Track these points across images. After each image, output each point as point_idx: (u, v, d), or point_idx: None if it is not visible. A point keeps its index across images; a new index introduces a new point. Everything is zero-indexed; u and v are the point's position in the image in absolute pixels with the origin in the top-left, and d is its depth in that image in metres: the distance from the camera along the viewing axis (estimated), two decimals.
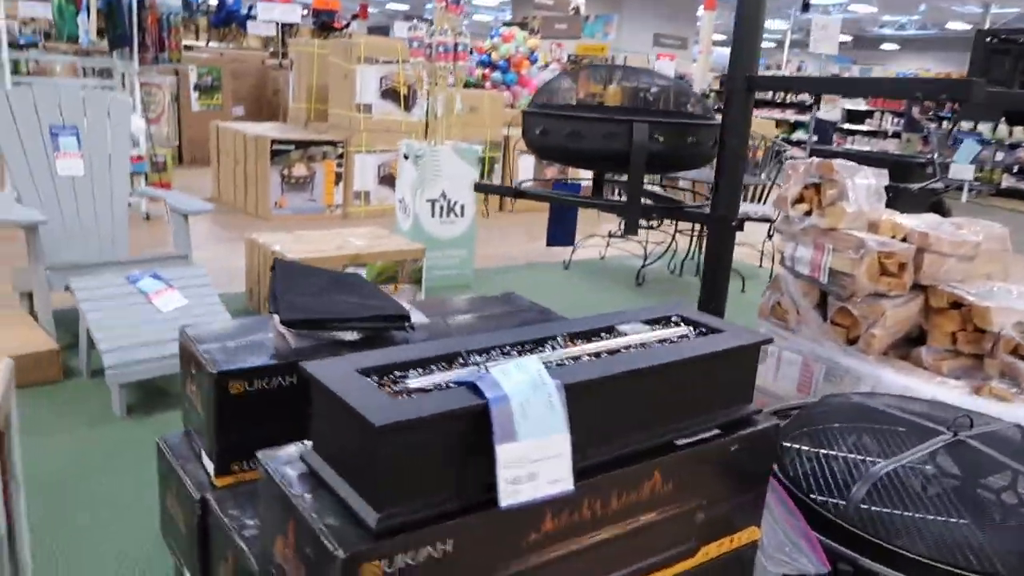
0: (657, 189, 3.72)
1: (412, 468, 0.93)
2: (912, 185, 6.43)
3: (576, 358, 1.14)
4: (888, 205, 6.43)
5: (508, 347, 1.16)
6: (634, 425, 1.13)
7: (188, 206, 3.27)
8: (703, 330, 1.32)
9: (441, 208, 4.29)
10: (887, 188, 6.20)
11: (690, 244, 4.86)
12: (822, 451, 1.78)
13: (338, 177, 6.21)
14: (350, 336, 1.49)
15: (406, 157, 4.25)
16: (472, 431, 0.96)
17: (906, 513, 1.54)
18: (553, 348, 1.18)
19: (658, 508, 1.18)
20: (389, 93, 6.25)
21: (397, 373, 1.05)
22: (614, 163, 2.09)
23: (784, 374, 2.81)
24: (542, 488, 0.98)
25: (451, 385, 1.02)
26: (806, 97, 14.27)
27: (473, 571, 0.99)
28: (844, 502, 1.56)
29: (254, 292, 3.76)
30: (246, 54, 10.40)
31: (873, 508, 1.55)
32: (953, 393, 2.37)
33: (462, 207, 4.33)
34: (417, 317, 1.63)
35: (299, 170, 6.02)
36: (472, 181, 4.04)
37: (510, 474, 0.95)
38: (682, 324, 1.35)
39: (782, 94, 14.73)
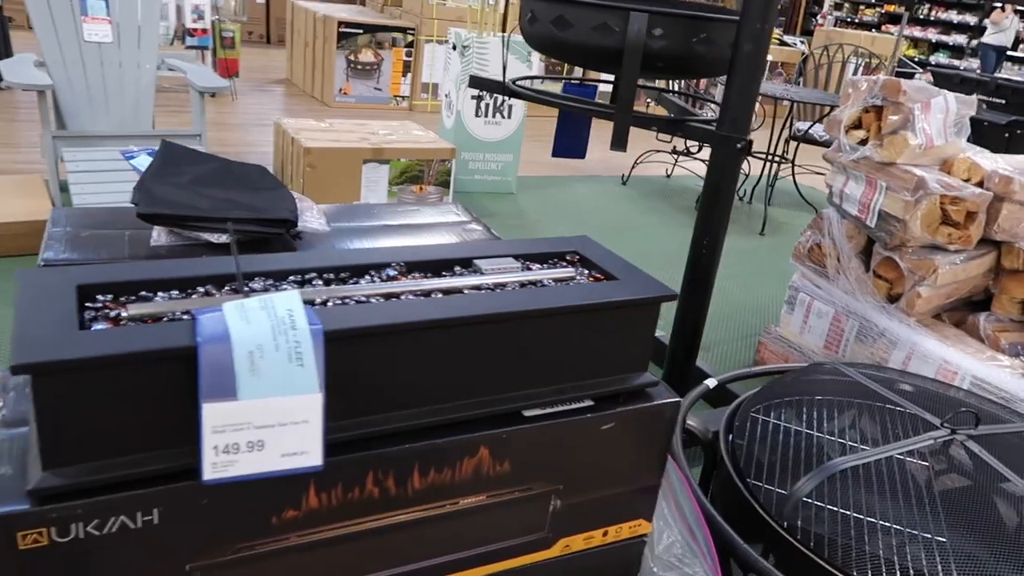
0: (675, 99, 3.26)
1: (96, 419, 0.73)
2: None
3: (392, 296, 0.90)
4: (1004, 147, 5.67)
5: (313, 273, 0.93)
6: (450, 388, 0.89)
7: (202, 82, 3.11)
8: (597, 274, 1.04)
9: (487, 107, 3.99)
10: (1009, 125, 5.41)
11: (763, 169, 4.39)
12: (791, 427, 1.48)
13: (407, 67, 5.95)
14: (218, 238, 1.29)
15: (454, 47, 3.94)
16: (188, 380, 0.74)
17: (855, 515, 1.25)
18: (372, 280, 0.94)
19: (488, 491, 0.95)
20: None
21: (137, 294, 0.84)
22: (606, 60, 1.76)
23: (812, 327, 2.46)
24: (272, 461, 0.76)
25: (182, 317, 0.80)
26: (954, 14, 12.75)
27: (196, 546, 0.80)
28: (784, 493, 1.29)
29: (279, 177, 3.63)
30: None
31: (817, 505, 1.27)
32: (1001, 373, 1.99)
33: (510, 107, 4.02)
34: (314, 224, 1.41)
35: (366, 56, 5.79)
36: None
37: (220, 441, 0.74)
38: (577, 264, 1.08)
39: (927, 8, 13.20)
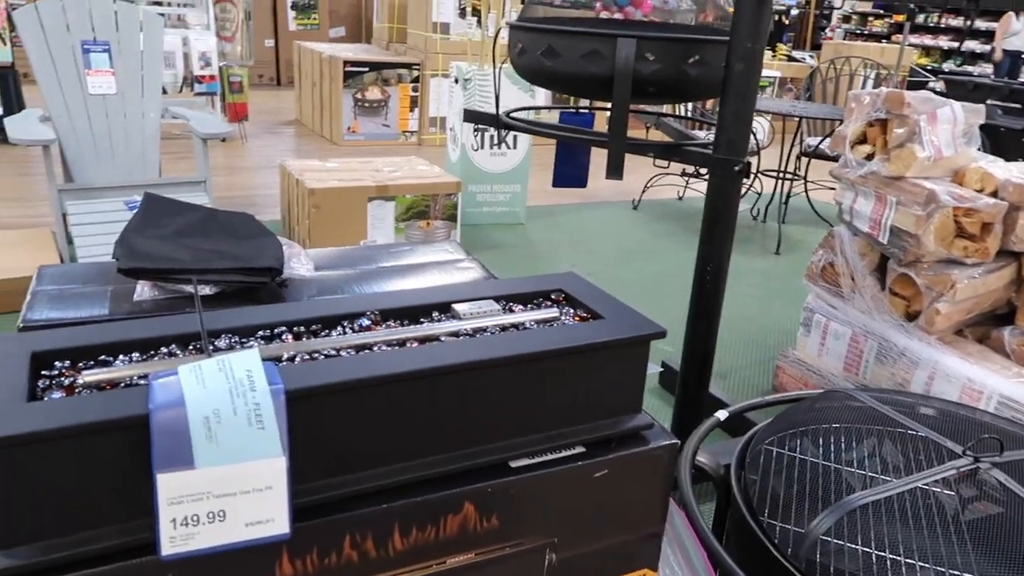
0: (674, 123, 3.23)
1: (48, 495, 0.69)
2: None
3: (364, 347, 0.86)
4: (1021, 153, 5.53)
5: (282, 327, 0.89)
6: (428, 442, 0.85)
7: (205, 129, 3.13)
8: (583, 313, 1.00)
9: (491, 138, 3.98)
10: None
11: (775, 187, 4.33)
12: (806, 459, 1.42)
13: (414, 102, 5.98)
14: (201, 291, 1.26)
15: (456, 81, 3.95)
16: (142, 450, 0.70)
17: (876, 553, 1.18)
18: (344, 331, 0.90)
19: (476, 548, 0.90)
20: (468, 11, 5.90)
21: (96, 358, 0.81)
22: (597, 88, 1.72)
23: (830, 349, 2.39)
24: (235, 532, 0.72)
25: (139, 382, 0.76)
26: (962, 22, 12.66)
27: None
28: (802, 532, 1.22)
29: (286, 220, 3.63)
30: None
31: (836, 543, 1.20)
32: None
33: (515, 137, 4.00)
34: (301, 270, 1.38)
35: (373, 93, 5.83)
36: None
37: (178, 513, 0.69)
38: (562, 303, 1.03)
39: (936, 16, 13.13)
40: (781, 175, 4.15)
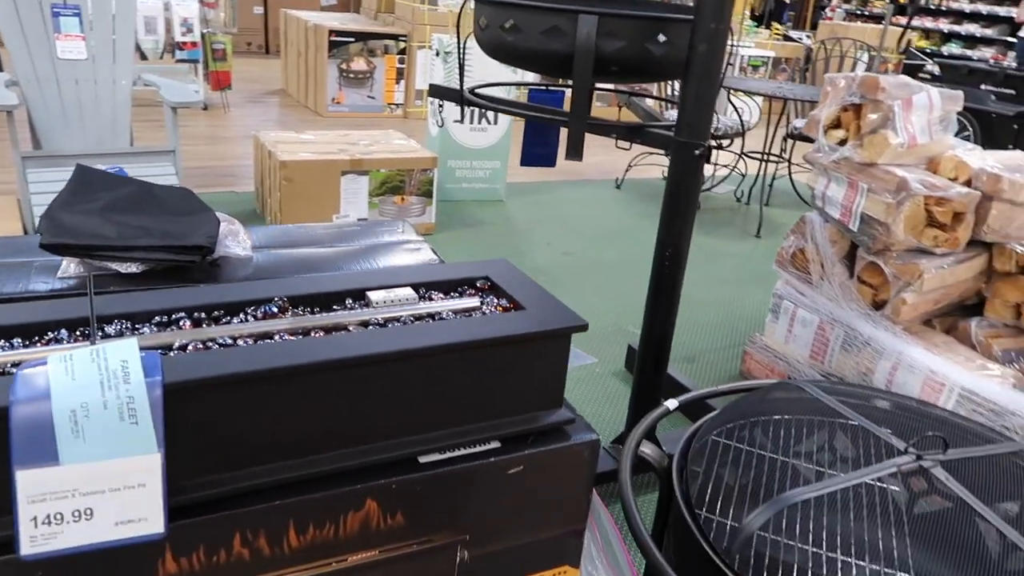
0: (643, 103, 3.15)
1: None
2: None
3: (265, 336, 0.82)
4: (1013, 140, 5.49)
5: (182, 313, 0.85)
6: (327, 437, 0.81)
7: (175, 97, 3.06)
8: (506, 303, 0.96)
9: (471, 113, 3.91)
10: (1019, 116, 5.26)
11: (759, 169, 4.28)
12: (752, 452, 1.39)
13: (400, 74, 5.89)
14: (126, 268, 1.22)
15: (437, 54, 3.87)
16: (2, 446, 0.67)
17: (812, 550, 1.15)
18: (246, 319, 0.86)
19: (380, 546, 0.87)
20: None
21: None
22: (557, 65, 1.67)
23: (798, 336, 2.36)
24: (104, 531, 0.69)
25: (12, 371, 0.73)
26: (966, 3, 12.50)
27: None
28: (737, 526, 1.19)
29: (259, 192, 3.58)
30: None
31: (772, 539, 1.17)
32: (990, 384, 1.88)
33: (495, 114, 3.94)
34: (236, 249, 1.33)
35: (358, 64, 5.74)
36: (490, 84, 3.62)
37: (39, 511, 0.66)
38: (487, 292, 1.00)
39: None
40: (765, 157, 4.09)
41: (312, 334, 0.84)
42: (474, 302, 0.94)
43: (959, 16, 13.02)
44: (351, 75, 5.74)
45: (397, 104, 5.96)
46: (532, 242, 3.51)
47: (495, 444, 0.92)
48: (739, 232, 3.97)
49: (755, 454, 1.40)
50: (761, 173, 4.18)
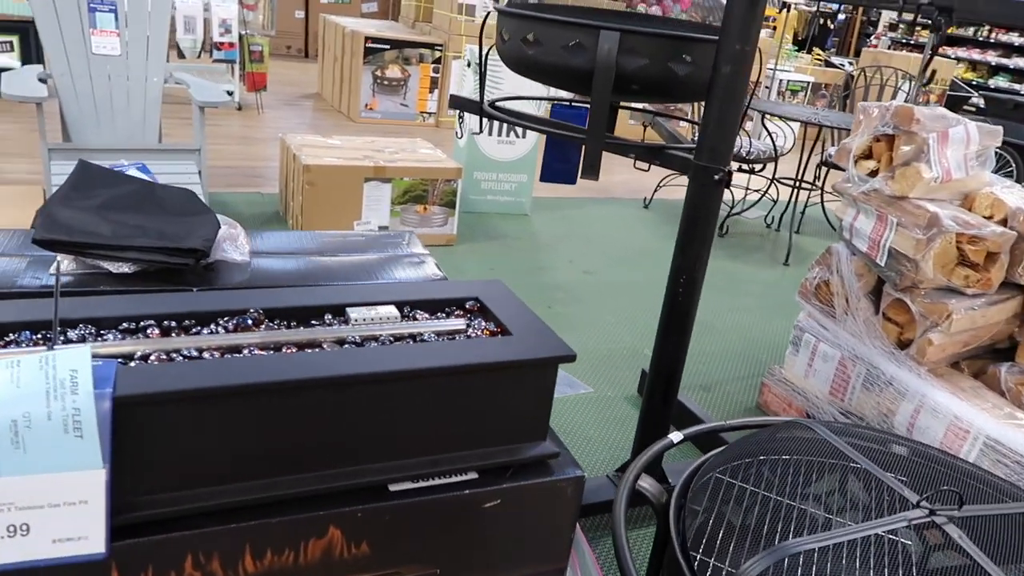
0: (684, 125, 3.07)
1: None
2: None
3: (234, 349, 0.79)
4: None
5: (151, 321, 0.82)
6: (290, 460, 0.77)
7: (203, 96, 3.07)
8: (494, 327, 0.92)
9: (499, 126, 3.89)
10: None
11: (791, 196, 4.19)
12: (757, 494, 1.32)
13: (434, 83, 5.90)
14: (118, 268, 1.20)
15: (468, 64, 3.85)
16: None
17: None
18: (214, 331, 0.82)
19: (342, 575, 0.82)
20: None
21: None
22: (577, 81, 1.63)
23: (818, 371, 2.28)
24: (40, 548, 0.65)
25: None
26: (1016, 36, 12.27)
27: None
28: (734, 572, 1.13)
29: (283, 194, 3.58)
30: None
31: None
32: (1017, 434, 1.79)
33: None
34: (233, 254, 1.31)
35: (393, 72, 5.75)
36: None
37: None
38: (475, 314, 0.95)
39: (987, 30, 12.71)
40: (798, 183, 4.00)
41: (284, 349, 0.80)
42: (459, 324, 0.90)
43: (1008, 49, 12.76)
44: (385, 82, 5.76)
45: (430, 113, 5.96)
46: (554, 258, 3.46)
47: (472, 475, 0.87)
48: (767, 259, 3.88)
49: (759, 495, 1.34)
50: (793, 200, 4.09)
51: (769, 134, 3.96)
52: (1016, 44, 12.51)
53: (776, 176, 4.21)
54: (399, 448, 0.82)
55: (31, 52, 5.19)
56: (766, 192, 4.34)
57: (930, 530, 1.17)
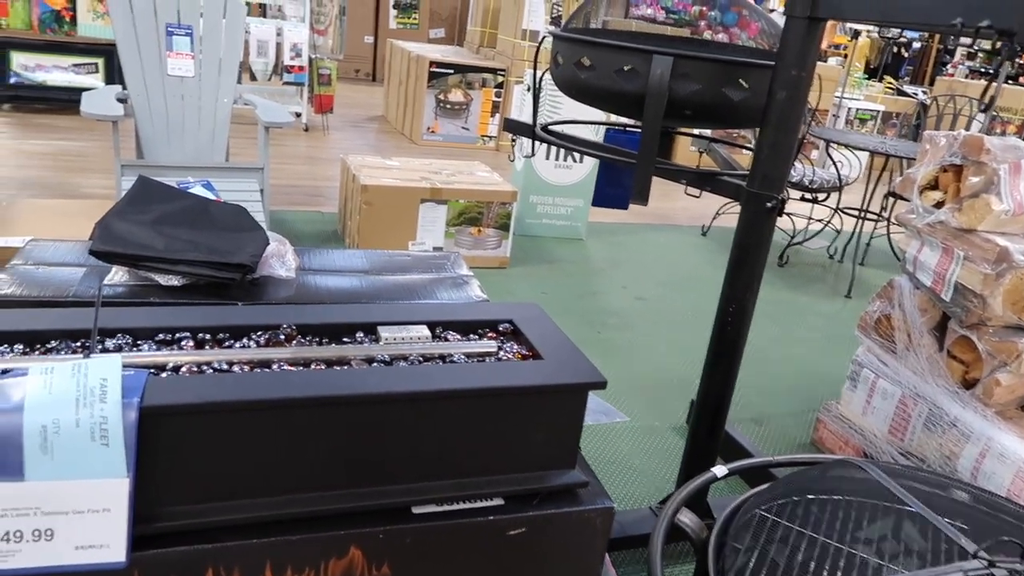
0: (721, 150, 3.00)
1: None
2: None
3: (264, 364, 0.79)
4: None
5: (186, 333, 0.83)
6: (313, 477, 0.77)
7: (268, 117, 3.16)
8: (526, 351, 0.90)
9: (556, 151, 3.89)
10: None
11: (855, 227, 4.06)
12: (803, 535, 1.27)
13: (495, 107, 5.95)
14: (168, 280, 1.23)
15: (528, 89, 3.88)
16: None
17: None
18: (246, 345, 0.83)
19: None
20: (560, 20, 5.82)
21: None
22: (630, 105, 1.61)
23: (876, 408, 2.19)
24: (63, 554, 0.66)
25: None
26: None
27: None
28: None
29: (341, 214, 3.65)
30: None
31: None
32: None
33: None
34: (280, 270, 1.33)
35: (455, 96, 5.83)
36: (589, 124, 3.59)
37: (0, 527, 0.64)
38: (509, 337, 0.94)
39: None
40: (863, 214, 3.89)
41: (312, 366, 0.81)
42: (490, 346, 0.89)
43: None
44: (448, 105, 5.84)
45: (490, 136, 6.01)
46: (607, 284, 3.43)
47: (498, 501, 0.85)
48: (828, 290, 3.77)
49: (806, 535, 1.28)
50: (857, 230, 3.98)
51: (834, 163, 3.86)
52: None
53: (840, 206, 4.09)
54: (424, 470, 0.81)
55: (114, 74, 5.44)
56: (829, 222, 4.23)
57: None
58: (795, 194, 3.92)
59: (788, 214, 4.10)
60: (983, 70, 13.59)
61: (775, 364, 2.88)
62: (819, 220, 4.40)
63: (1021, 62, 13.00)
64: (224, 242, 1.31)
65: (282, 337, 0.85)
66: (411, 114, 5.96)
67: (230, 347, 0.83)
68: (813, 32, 1.44)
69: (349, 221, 3.43)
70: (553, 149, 3.91)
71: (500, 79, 5.87)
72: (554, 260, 3.67)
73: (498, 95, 5.91)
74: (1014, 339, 1.89)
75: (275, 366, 0.80)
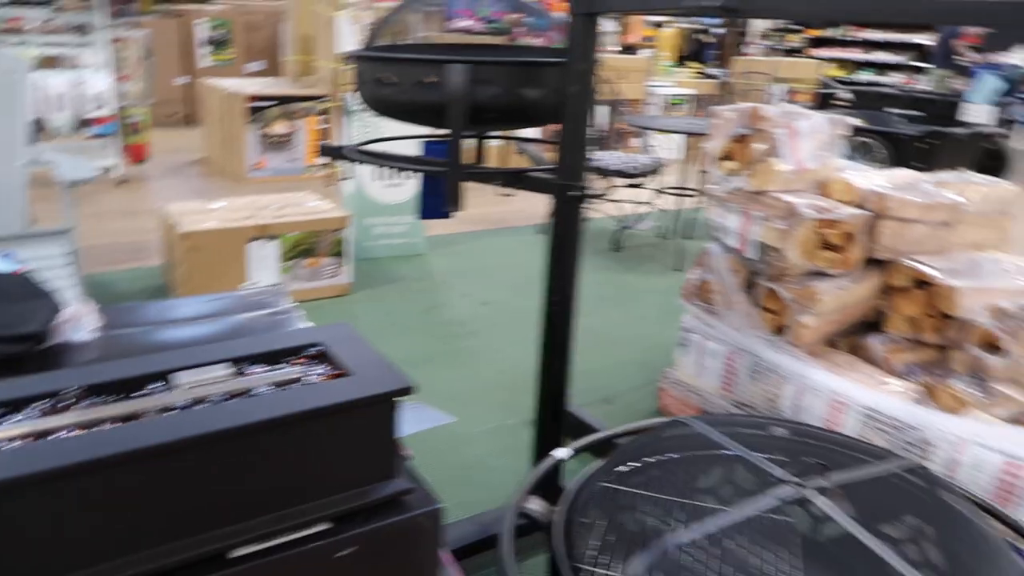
0: (533, 148, 3.18)
1: None
2: (956, 130, 5.62)
3: (44, 434, 0.75)
4: (921, 159, 5.70)
5: None
6: (113, 541, 0.74)
7: (68, 174, 2.97)
8: (335, 371, 0.91)
9: (383, 171, 3.89)
10: (924, 136, 5.49)
11: (677, 204, 4.32)
12: (636, 496, 1.34)
13: (324, 134, 5.86)
14: None
15: (347, 113, 3.85)
16: None
17: None
18: (20, 417, 0.79)
19: None
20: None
21: None
22: (434, 116, 1.65)
23: (708, 367, 2.34)
24: None
25: None
26: (878, 33, 13.06)
27: None
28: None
29: (167, 266, 3.48)
30: (258, 4, 9.98)
31: None
32: (891, 400, 1.87)
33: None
34: (80, 334, 1.26)
35: (279, 128, 5.70)
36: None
37: None
38: (319, 360, 0.94)
39: (843, 30, 13.52)
40: (680, 192, 4.14)
41: (100, 426, 0.78)
42: (294, 372, 0.89)
43: (870, 46, 13.59)
44: (272, 139, 5.70)
45: (320, 165, 5.91)
46: (451, 294, 3.47)
47: (324, 526, 0.85)
48: (660, 267, 3.99)
49: (648, 497, 1.36)
50: (679, 208, 4.23)
51: (650, 148, 4.09)
52: (877, 41, 13.34)
53: (662, 187, 4.34)
54: (242, 510, 0.80)
55: None
56: (652, 204, 4.47)
57: (802, 504, 1.21)
58: (621, 181, 4.13)
59: (616, 201, 4.30)
60: (776, 47, 14.75)
61: (618, 344, 3.01)
62: (645, 202, 4.64)
63: (806, 36, 14.23)
64: (5, 315, 1.23)
65: (66, 403, 0.81)
66: (233, 152, 5.76)
67: (4, 419, 0.78)
68: (592, 26, 1.53)
69: (175, 270, 3.28)
70: (379, 169, 3.90)
71: (324, 106, 5.78)
72: (397, 279, 3.67)
73: (325, 122, 5.83)
74: (812, 284, 2.08)
75: (57, 435, 0.76)
